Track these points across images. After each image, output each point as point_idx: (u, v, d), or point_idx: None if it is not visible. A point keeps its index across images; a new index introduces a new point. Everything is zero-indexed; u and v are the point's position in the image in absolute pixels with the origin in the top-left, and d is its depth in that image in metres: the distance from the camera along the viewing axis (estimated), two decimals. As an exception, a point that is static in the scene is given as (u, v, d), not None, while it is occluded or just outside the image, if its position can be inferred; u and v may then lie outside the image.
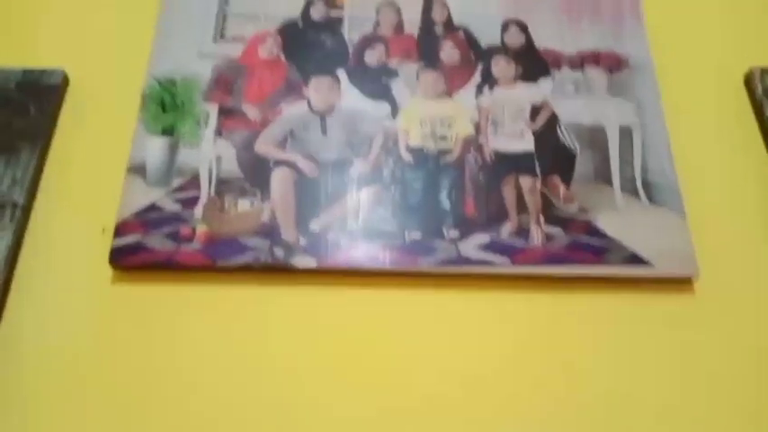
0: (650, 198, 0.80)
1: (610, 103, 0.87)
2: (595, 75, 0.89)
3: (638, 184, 0.81)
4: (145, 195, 0.78)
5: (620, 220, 0.78)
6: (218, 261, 0.74)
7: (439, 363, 0.72)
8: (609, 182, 0.82)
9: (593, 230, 0.77)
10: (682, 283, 0.76)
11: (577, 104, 0.87)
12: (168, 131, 0.83)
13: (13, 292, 0.73)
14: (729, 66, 0.92)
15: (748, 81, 0.90)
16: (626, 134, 0.85)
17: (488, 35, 0.91)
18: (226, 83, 0.87)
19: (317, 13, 0.92)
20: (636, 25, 0.92)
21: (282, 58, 0.88)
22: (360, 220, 0.78)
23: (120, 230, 0.75)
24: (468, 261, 0.75)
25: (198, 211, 0.77)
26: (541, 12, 0.93)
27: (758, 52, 0.92)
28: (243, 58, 0.88)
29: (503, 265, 0.74)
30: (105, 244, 0.74)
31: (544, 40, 0.91)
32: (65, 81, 0.86)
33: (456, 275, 0.75)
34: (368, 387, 0.70)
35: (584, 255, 0.75)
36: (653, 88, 0.87)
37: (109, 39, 0.90)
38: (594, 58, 0.90)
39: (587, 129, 0.86)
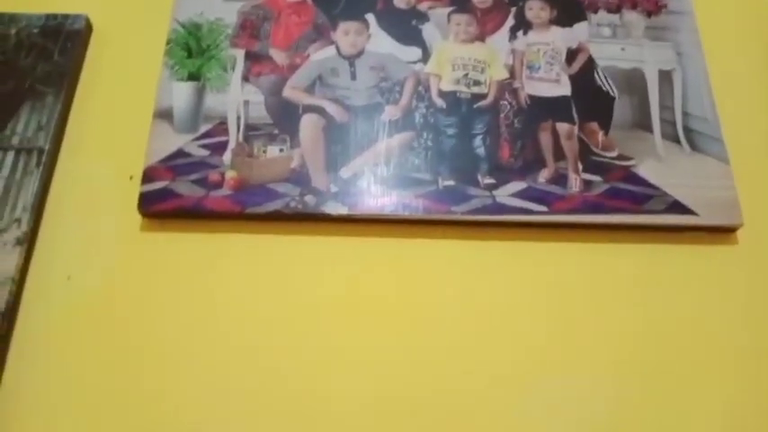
0: (692, 145, 0.74)
1: (648, 47, 0.81)
2: (633, 18, 0.82)
3: (679, 130, 0.75)
4: (172, 141, 0.73)
5: (661, 168, 0.73)
6: (248, 207, 0.69)
7: (473, 314, 0.67)
8: (648, 128, 0.76)
9: (634, 178, 0.72)
10: (725, 233, 0.71)
11: (615, 48, 0.81)
12: (194, 77, 0.77)
13: (39, 241, 0.70)
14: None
15: (792, 26, 0.83)
16: (665, 79, 0.78)
17: (522, -23, 0.84)
18: (252, 27, 0.81)
19: (345, -45, 0.86)
20: (675, -34, 0.85)
21: (309, 1, 0.82)
22: (391, 167, 0.72)
23: (147, 176, 0.70)
24: (503, 209, 0.70)
25: (226, 156, 0.73)
26: (576, -47, 0.86)
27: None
28: (269, 1, 0.82)
29: (540, 213, 0.69)
30: (133, 190, 0.70)
31: (579, -18, 0.84)
32: (88, 26, 0.81)
33: (491, 223, 0.70)
34: (400, 337, 0.66)
35: (625, 202, 0.70)
36: (693, 32, 0.81)
37: (131, -18, 0.85)
38: (632, 1, 0.83)
39: (625, 73, 0.79)
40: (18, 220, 0.68)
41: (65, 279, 0.68)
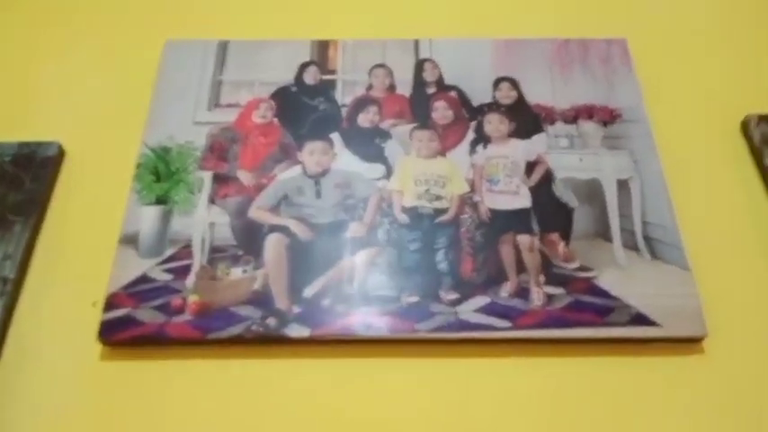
0: (652, 253, 0.74)
1: (605, 156, 0.81)
2: (589, 128, 0.84)
3: (639, 238, 0.75)
4: (136, 266, 0.72)
5: (622, 278, 0.72)
6: (209, 333, 0.67)
7: (440, 434, 0.64)
8: (608, 238, 0.76)
9: (595, 289, 0.71)
10: (690, 343, 0.69)
11: (573, 158, 0.82)
12: (162, 200, 0.77)
13: (1, 369, 0.67)
14: (723, 114, 0.86)
15: (745, 128, 0.84)
16: (623, 187, 0.79)
17: (480, 93, 0.86)
18: (220, 149, 0.82)
19: (311, 77, 0.88)
20: (627, 77, 0.87)
21: (276, 122, 0.84)
22: (355, 285, 0.71)
23: (109, 304, 0.69)
24: (467, 326, 0.68)
25: (190, 280, 0.72)
26: (532, 68, 0.88)
27: (752, 99, 0.87)
28: (237, 124, 0.84)
29: (504, 329, 0.68)
30: (96, 318, 0.68)
31: (536, 95, 0.86)
32: (60, 153, 0.81)
33: (455, 341, 0.68)
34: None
35: (588, 316, 0.68)
36: (648, 140, 0.81)
37: (104, 110, 0.86)
38: (588, 112, 0.85)
39: (583, 183, 0.80)
40: (-23, 354, 0.67)
41: (26, 407, 0.65)
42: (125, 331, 0.67)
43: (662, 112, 0.85)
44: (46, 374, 0.67)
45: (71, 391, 0.67)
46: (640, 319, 0.68)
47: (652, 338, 0.68)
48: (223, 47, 0.90)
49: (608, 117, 0.84)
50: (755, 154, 0.82)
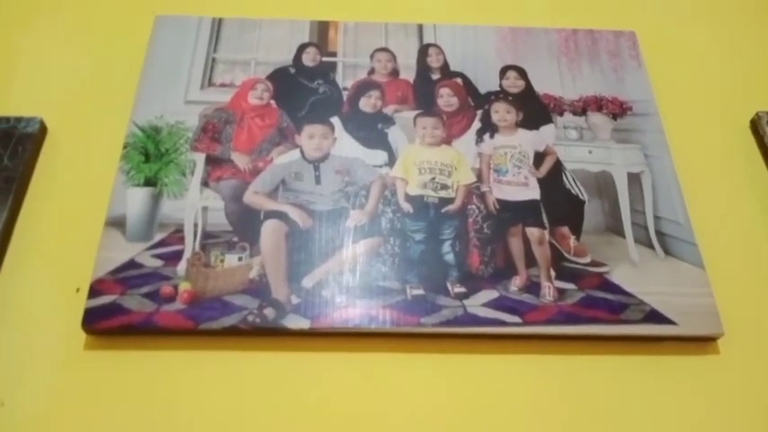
0: (665, 249, 0.72)
1: (616, 150, 0.79)
2: (599, 120, 0.81)
3: (652, 234, 0.73)
4: (123, 251, 0.68)
5: (635, 274, 0.70)
6: (202, 323, 0.63)
7: (445, 433, 0.61)
8: (620, 232, 0.73)
9: (608, 285, 0.68)
10: (706, 342, 0.67)
11: (582, 151, 0.79)
12: (151, 182, 0.73)
13: (-24, 358, 0.63)
14: (733, 111, 0.85)
15: (755, 125, 0.83)
16: (634, 181, 0.77)
17: (487, 81, 0.83)
18: (214, 130, 0.78)
19: (310, 59, 0.85)
20: (637, 70, 0.85)
21: (273, 104, 0.80)
22: (357, 275, 0.68)
23: (94, 290, 0.65)
24: (476, 320, 0.65)
25: (181, 267, 0.68)
26: (540, 57, 0.86)
27: (763, 96, 0.85)
28: (232, 105, 0.80)
29: (513, 325, 0.65)
30: (79, 305, 0.64)
31: (544, 85, 0.83)
32: (42, 129, 0.77)
33: (463, 336, 0.65)
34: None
35: (601, 312, 0.66)
36: (660, 134, 0.80)
37: (90, 86, 0.82)
38: (597, 104, 0.82)
39: (593, 176, 0.77)
40: (-52, 341, 0.62)
41: (4, 400, 0.61)
42: (111, 319, 0.63)
43: (670, 106, 0.83)
44: (27, 364, 0.63)
45: (54, 381, 0.62)
46: (655, 317, 0.66)
47: (667, 336, 0.66)
48: (217, 24, 0.86)
49: (618, 110, 0.82)
50: (766, 151, 0.81)
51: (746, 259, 0.73)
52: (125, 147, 0.75)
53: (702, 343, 0.67)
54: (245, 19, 0.87)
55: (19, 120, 0.76)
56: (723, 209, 0.77)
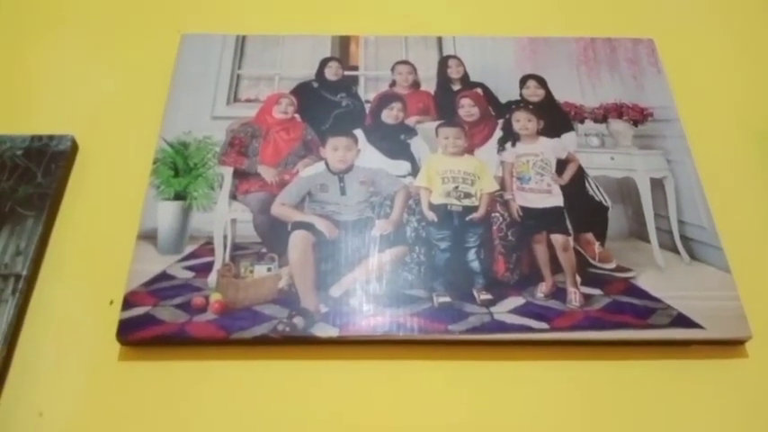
0: (691, 254, 0.72)
1: (638, 156, 0.80)
2: (620, 127, 0.82)
3: (677, 239, 0.73)
4: (156, 263, 0.70)
5: (661, 279, 0.70)
6: (233, 333, 0.65)
7: (475, 440, 0.62)
8: (645, 238, 0.73)
9: (634, 290, 0.69)
10: (734, 345, 0.67)
11: (604, 158, 0.80)
12: (181, 196, 0.75)
13: (13, 371, 0.64)
14: (753, 116, 0.85)
15: (776, 130, 0.83)
16: (657, 186, 0.77)
17: (507, 91, 0.84)
18: (241, 144, 0.79)
19: (332, 73, 0.86)
20: (657, 77, 0.85)
21: (298, 118, 0.81)
22: (384, 284, 0.69)
23: (128, 302, 0.66)
24: (503, 327, 0.66)
25: (212, 278, 0.69)
26: (559, 66, 0.86)
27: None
28: (257, 119, 0.81)
29: (541, 331, 0.65)
30: (113, 317, 0.65)
31: (564, 93, 0.84)
32: (74, 147, 0.79)
33: (490, 342, 0.66)
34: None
35: (628, 317, 0.66)
36: (680, 138, 0.80)
37: (119, 104, 0.83)
38: (617, 111, 0.83)
39: (616, 182, 0.78)
40: (-11, 353, 0.63)
41: (36, 416, 0.62)
42: (145, 330, 0.64)
43: (691, 112, 0.83)
44: (61, 376, 0.64)
45: (88, 392, 0.63)
46: (683, 321, 0.66)
47: (695, 340, 0.66)
48: (241, 41, 0.88)
49: (639, 116, 0.82)
50: (788, 155, 0.81)
51: (772, 262, 0.73)
52: (155, 162, 0.76)
53: (730, 346, 0.67)
54: (268, 36, 0.89)
55: (51, 138, 0.78)
56: (746, 212, 0.77)
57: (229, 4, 0.94)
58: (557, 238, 0.72)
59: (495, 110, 0.83)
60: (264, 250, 0.72)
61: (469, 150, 0.79)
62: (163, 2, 0.94)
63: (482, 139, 0.81)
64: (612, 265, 0.71)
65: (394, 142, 0.81)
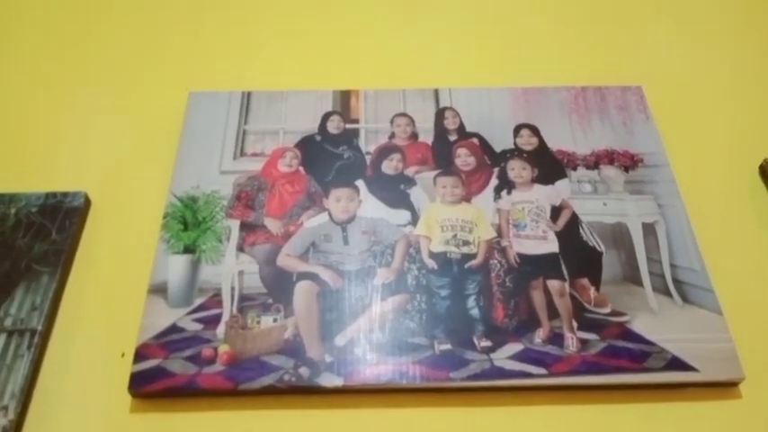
0: (683, 297, 0.73)
1: (629, 201, 0.82)
2: (611, 173, 0.84)
3: (669, 282, 0.74)
4: (166, 316, 0.71)
5: (655, 322, 0.71)
6: (241, 383, 0.66)
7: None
8: (638, 282, 0.75)
9: (630, 334, 0.70)
10: (728, 387, 0.68)
11: (597, 204, 0.82)
12: (190, 249, 0.77)
13: (28, 424, 0.66)
14: (741, 158, 0.87)
15: (764, 171, 0.85)
16: (649, 231, 0.79)
17: (502, 140, 0.86)
18: (247, 198, 0.82)
19: (334, 126, 0.89)
20: (645, 123, 0.88)
21: (302, 170, 0.84)
22: (386, 332, 0.70)
23: (139, 354, 0.68)
24: (503, 373, 0.67)
25: (220, 330, 0.71)
26: (551, 115, 0.89)
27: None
28: (263, 172, 0.84)
29: (540, 376, 0.67)
30: (125, 369, 0.67)
31: (556, 141, 0.86)
32: (87, 203, 0.81)
33: (491, 389, 0.67)
34: None
35: (623, 361, 0.67)
36: (671, 184, 0.82)
37: (130, 160, 0.86)
38: (609, 157, 0.85)
39: (609, 227, 0.80)
40: (5, 408, 0.65)
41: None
42: (156, 382, 0.66)
43: (680, 156, 0.85)
44: (76, 428, 0.66)
45: (101, 445, 0.65)
46: (677, 364, 0.67)
47: (690, 383, 0.67)
48: (247, 97, 0.91)
49: (629, 162, 0.85)
50: (777, 197, 0.83)
51: (764, 303, 0.74)
52: (164, 216, 0.79)
53: (724, 388, 0.68)
54: (273, 91, 0.92)
55: (65, 195, 0.81)
56: (737, 254, 0.78)
57: (235, 62, 0.98)
58: (553, 284, 0.74)
59: (491, 159, 0.85)
60: (271, 301, 0.73)
61: (467, 199, 0.81)
62: (171, 62, 0.98)
63: (479, 188, 0.83)
64: (608, 310, 0.72)
65: (394, 192, 0.83)
